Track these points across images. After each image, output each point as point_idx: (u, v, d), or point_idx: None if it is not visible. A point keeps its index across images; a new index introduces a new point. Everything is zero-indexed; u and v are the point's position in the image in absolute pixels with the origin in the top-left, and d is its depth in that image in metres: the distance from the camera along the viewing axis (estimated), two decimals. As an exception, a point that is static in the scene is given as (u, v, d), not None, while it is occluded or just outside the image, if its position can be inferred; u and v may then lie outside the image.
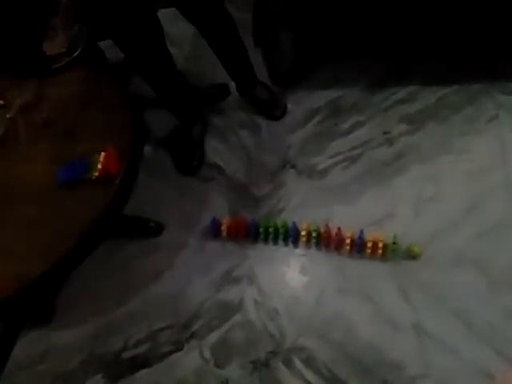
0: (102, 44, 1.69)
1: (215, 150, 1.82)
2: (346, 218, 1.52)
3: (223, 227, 1.55)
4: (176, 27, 2.26)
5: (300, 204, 1.62)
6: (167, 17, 2.37)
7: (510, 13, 1.48)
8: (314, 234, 1.48)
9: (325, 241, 1.48)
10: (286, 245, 1.53)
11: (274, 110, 1.85)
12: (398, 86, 1.81)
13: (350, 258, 1.45)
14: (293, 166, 1.71)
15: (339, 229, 1.46)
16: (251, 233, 1.54)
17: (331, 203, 1.59)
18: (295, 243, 1.52)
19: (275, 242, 1.54)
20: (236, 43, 1.63)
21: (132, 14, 1.30)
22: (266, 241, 1.54)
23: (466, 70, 1.75)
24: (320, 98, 1.86)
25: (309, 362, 1.31)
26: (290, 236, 1.51)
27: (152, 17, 1.40)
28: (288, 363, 1.32)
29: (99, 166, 1.06)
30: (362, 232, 1.43)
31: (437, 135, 1.65)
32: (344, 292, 1.40)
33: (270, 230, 1.52)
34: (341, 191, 1.61)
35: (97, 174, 1.06)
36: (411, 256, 1.40)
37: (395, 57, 1.84)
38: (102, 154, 1.08)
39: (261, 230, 1.53)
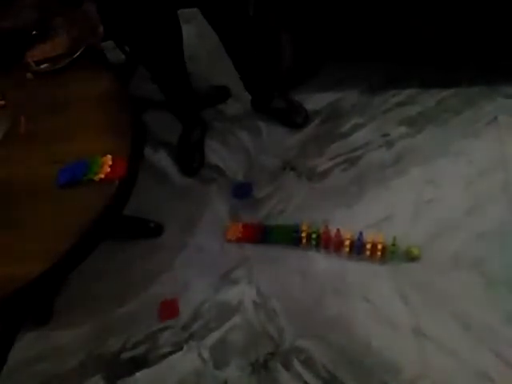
0: (103, 45, 1.69)
1: (215, 152, 1.83)
2: (346, 220, 1.52)
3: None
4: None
5: (300, 206, 1.62)
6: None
7: (508, 16, 1.49)
8: (313, 236, 1.48)
9: (324, 242, 1.48)
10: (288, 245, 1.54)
11: (294, 118, 1.81)
12: (398, 88, 1.82)
13: (350, 259, 1.45)
14: (292, 168, 1.72)
15: (338, 230, 1.46)
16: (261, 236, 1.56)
17: (331, 205, 1.59)
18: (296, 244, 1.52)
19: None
20: (256, 55, 1.60)
21: (153, 15, 1.31)
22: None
23: (466, 72, 1.75)
24: (320, 100, 1.87)
25: (307, 363, 1.31)
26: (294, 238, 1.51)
27: (173, 18, 1.40)
28: (287, 364, 1.32)
29: (108, 169, 1.07)
30: (361, 234, 1.43)
31: (436, 138, 1.65)
32: (343, 293, 1.40)
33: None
34: (340, 193, 1.61)
35: (103, 176, 1.07)
36: (410, 258, 1.40)
37: (395, 59, 1.84)
38: (109, 156, 1.08)
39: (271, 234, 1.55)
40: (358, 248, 1.43)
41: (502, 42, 1.61)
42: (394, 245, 1.39)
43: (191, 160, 1.79)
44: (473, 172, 1.53)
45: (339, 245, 1.45)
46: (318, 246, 1.50)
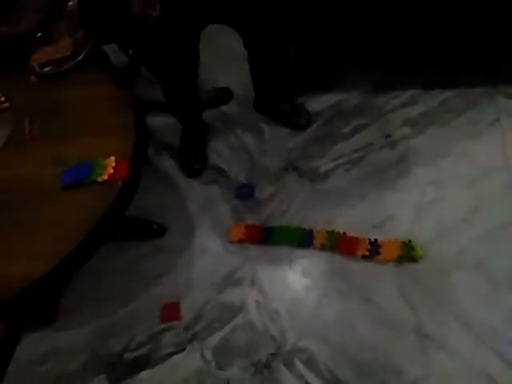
0: (106, 48, 1.70)
1: (218, 153, 1.84)
2: (348, 221, 1.53)
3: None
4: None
5: (302, 206, 1.62)
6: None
7: (509, 17, 1.49)
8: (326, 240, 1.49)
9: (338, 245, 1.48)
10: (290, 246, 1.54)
11: (297, 120, 1.83)
12: (400, 89, 1.82)
13: (352, 259, 1.46)
14: (295, 169, 1.72)
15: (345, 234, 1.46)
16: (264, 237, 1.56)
17: (333, 206, 1.59)
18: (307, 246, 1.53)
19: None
20: (277, 60, 1.60)
21: (178, 35, 1.32)
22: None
23: (468, 73, 1.75)
24: (322, 101, 1.87)
25: (310, 363, 1.31)
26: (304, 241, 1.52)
27: (196, 39, 1.41)
28: (289, 365, 1.32)
29: (111, 171, 1.08)
30: (376, 240, 1.44)
31: (438, 138, 1.65)
32: (345, 294, 1.41)
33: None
34: (343, 194, 1.61)
35: (106, 177, 1.07)
36: (413, 258, 1.40)
37: (397, 61, 1.84)
38: (112, 158, 1.09)
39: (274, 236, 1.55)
40: (372, 252, 1.43)
41: (503, 43, 1.61)
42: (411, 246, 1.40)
43: (193, 161, 1.79)
44: (475, 172, 1.53)
45: (354, 248, 1.46)
46: (332, 249, 1.49)
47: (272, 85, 1.73)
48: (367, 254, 1.43)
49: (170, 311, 1.48)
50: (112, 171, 1.08)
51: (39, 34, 1.35)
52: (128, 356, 1.43)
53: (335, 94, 1.88)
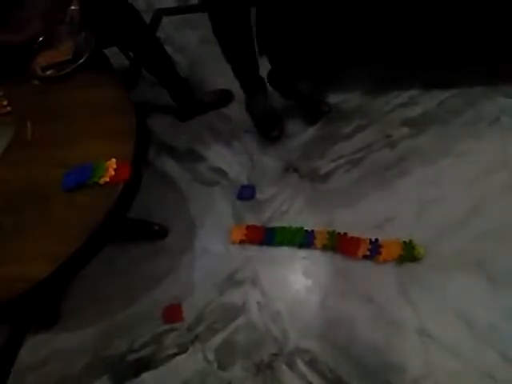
0: (107, 51, 1.71)
1: (218, 154, 1.84)
2: (349, 221, 1.53)
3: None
4: (180, 34, 2.29)
5: (303, 207, 1.63)
6: (172, 24, 2.40)
7: (509, 16, 1.49)
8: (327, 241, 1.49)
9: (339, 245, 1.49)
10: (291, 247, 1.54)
11: (311, 109, 1.84)
12: (400, 89, 1.83)
13: (353, 259, 1.46)
14: (295, 170, 1.73)
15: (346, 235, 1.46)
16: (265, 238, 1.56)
17: (333, 206, 1.59)
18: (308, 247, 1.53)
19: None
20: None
21: None
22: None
23: (467, 73, 1.75)
24: (322, 101, 1.87)
25: (312, 363, 1.32)
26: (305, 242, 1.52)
27: None
28: (291, 365, 1.33)
29: (112, 173, 1.09)
30: (376, 240, 1.45)
31: (438, 138, 1.65)
32: (346, 294, 1.41)
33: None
34: (343, 194, 1.62)
35: (107, 179, 1.08)
36: (414, 258, 1.40)
37: (396, 61, 1.85)
38: (113, 160, 1.10)
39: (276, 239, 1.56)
40: (373, 252, 1.43)
41: (503, 43, 1.61)
42: (412, 246, 1.41)
43: (271, 128, 1.80)
44: (475, 172, 1.53)
45: (354, 248, 1.46)
46: (333, 249, 1.50)
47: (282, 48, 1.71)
48: (368, 253, 1.43)
49: (172, 312, 1.49)
50: (113, 173, 1.09)
51: (41, 38, 1.36)
52: (131, 357, 1.44)
53: (335, 95, 1.89)
